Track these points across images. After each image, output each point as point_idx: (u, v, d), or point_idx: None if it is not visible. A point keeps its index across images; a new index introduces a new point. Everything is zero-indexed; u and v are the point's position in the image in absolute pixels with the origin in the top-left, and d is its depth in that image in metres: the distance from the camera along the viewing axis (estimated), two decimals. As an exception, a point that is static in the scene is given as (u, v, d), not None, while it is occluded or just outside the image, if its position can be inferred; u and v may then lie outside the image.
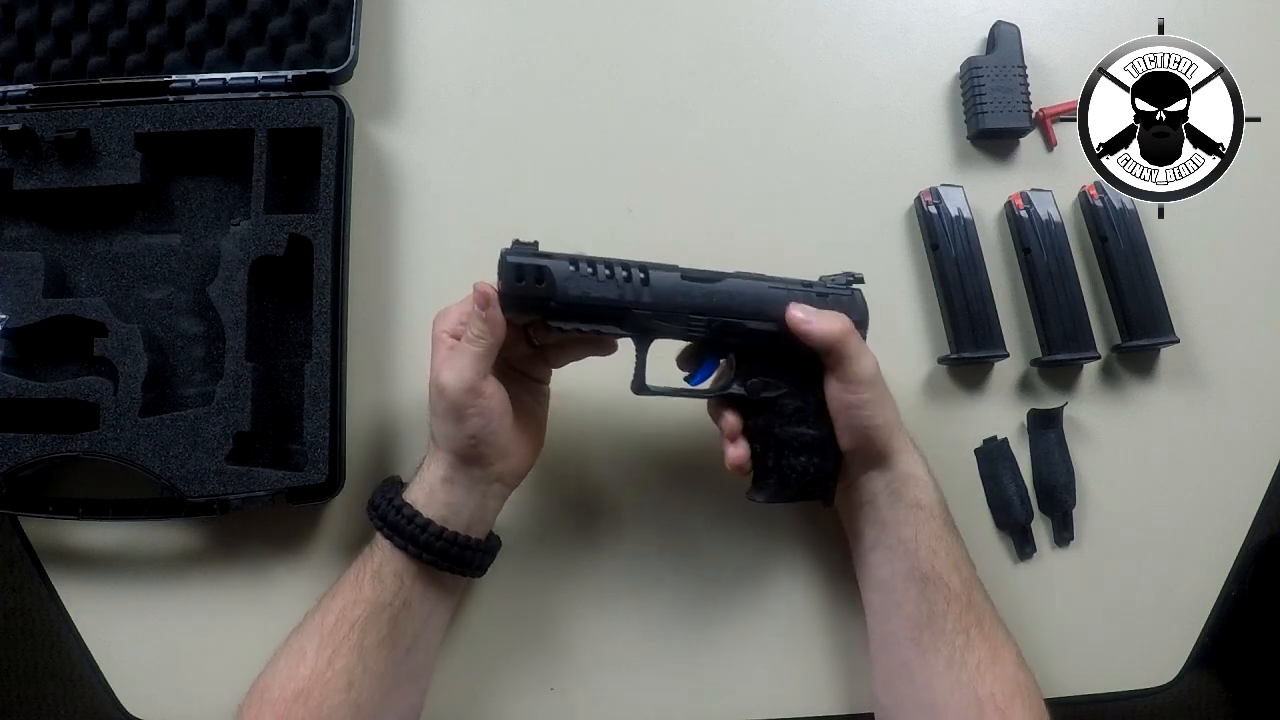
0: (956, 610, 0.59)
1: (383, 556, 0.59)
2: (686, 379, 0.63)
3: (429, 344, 0.64)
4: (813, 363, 0.61)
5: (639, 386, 0.61)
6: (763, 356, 0.61)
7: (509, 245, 0.57)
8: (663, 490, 0.72)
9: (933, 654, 0.59)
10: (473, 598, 0.70)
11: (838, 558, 0.71)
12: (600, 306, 0.57)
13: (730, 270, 0.60)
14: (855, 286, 0.63)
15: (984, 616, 0.60)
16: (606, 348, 0.62)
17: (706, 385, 0.63)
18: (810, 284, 0.62)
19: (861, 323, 0.62)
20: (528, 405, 0.62)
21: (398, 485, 0.62)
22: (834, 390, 0.60)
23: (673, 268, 0.59)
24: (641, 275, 0.58)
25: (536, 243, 0.57)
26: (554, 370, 0.64)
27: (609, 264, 0.57)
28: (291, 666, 0.56)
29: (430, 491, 0.59)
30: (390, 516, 0.59)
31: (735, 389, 0.61)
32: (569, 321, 0.58)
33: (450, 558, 0.59)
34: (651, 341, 0.60)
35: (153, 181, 0.72)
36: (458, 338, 0.58)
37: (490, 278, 0.57)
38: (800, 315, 0.59)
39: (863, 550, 0.65)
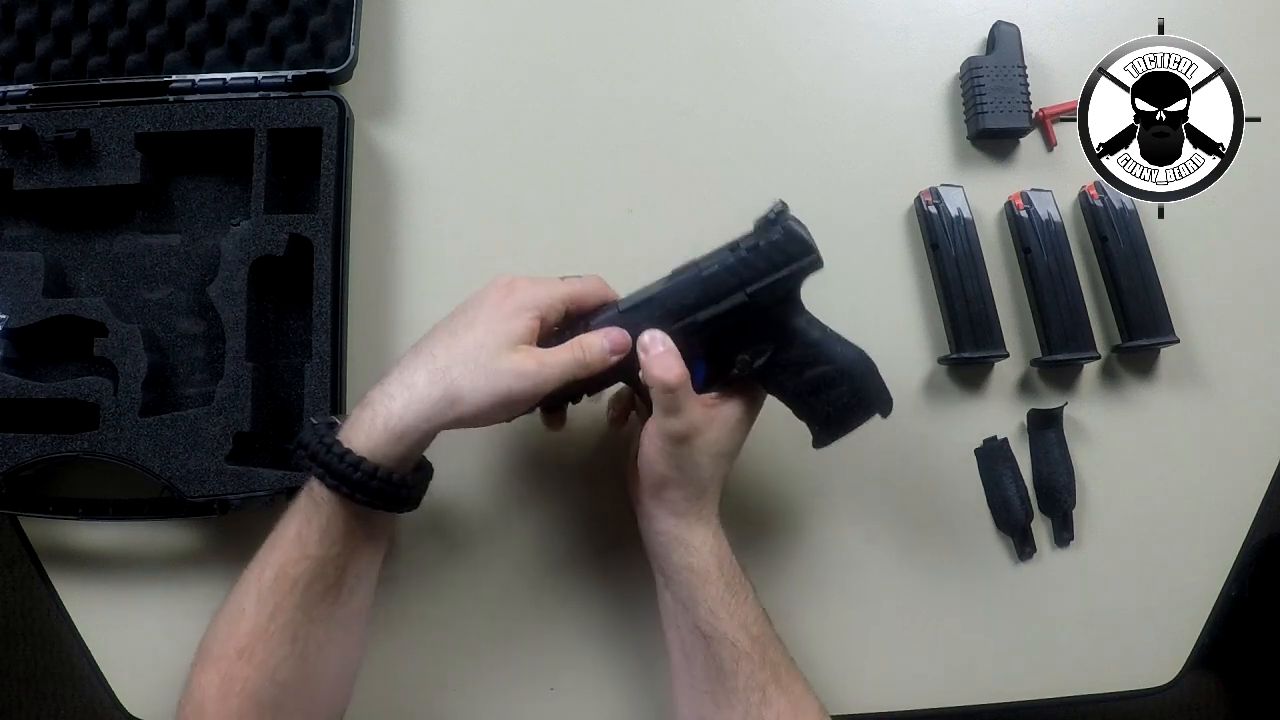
0: (748, 668, 0.58)
1: (322, 510, 0.55)
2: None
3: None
4: (780, 310, 0.59)
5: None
6: (735, 333, 0.60)
7: None
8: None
9: (728, 709, 0.58)
10: (472, 598, 0.71)
11: (835, 557, 0.71)
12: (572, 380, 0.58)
13: (663, 277, 0.60)
14: (786, 224, 0.58)
15: (780, 672, 0.59)
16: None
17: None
18: (736, 245, 0.59)
19: (808, 250, 0.58)
20: None
21: (333, 426, 0.56)
22: (650, 422, 0.59)
23: (611, 306, 0.60)
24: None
25: None
26: None
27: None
28: (231, 624, 0.55)
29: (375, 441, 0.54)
30: (334, 465, 0.54)
31: (733, 373, 0.61)
32: (560, 402, 0.62)
33: (385, 497, 0.55)
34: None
35: (153, 181, 0.72)
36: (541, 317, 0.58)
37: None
38: (646, 340, 0.58)
39: (659, 588, 0.63)
